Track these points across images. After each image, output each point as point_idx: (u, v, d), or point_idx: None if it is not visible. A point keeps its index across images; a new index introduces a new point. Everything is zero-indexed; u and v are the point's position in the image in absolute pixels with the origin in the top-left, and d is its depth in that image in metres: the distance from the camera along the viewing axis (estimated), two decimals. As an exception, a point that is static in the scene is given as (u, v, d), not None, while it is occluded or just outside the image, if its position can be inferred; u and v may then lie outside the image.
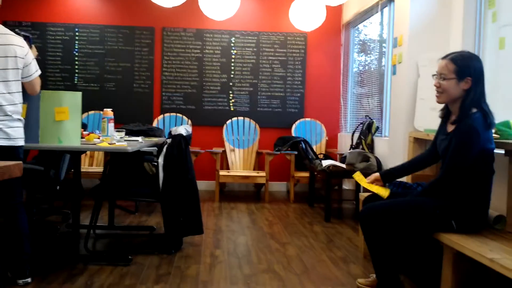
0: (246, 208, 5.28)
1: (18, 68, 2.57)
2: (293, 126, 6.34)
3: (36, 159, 4.28)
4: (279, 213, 5.05)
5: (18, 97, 2.60)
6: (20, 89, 2.63)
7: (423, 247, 2.92)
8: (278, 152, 5.80)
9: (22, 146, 2.64)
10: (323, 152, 6.17)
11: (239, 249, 3.61)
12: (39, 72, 2.77)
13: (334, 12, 6.35)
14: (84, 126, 4.14)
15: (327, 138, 6.39)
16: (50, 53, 6.17)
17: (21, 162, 1.77)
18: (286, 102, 6.45)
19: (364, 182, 2.84)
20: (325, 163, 4.82)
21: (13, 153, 2.57)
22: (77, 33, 6.22)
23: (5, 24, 6.07)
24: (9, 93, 2.53)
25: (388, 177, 2.84)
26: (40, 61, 6.11)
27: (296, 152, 5.74)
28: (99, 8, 6.27)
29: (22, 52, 2.60)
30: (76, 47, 6.23)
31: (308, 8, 5.75)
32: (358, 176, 2.92)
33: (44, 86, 6.08)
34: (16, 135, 2.58)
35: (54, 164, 3.85)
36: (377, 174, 2.84)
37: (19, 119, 2.61)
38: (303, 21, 5.85)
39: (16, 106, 2.57)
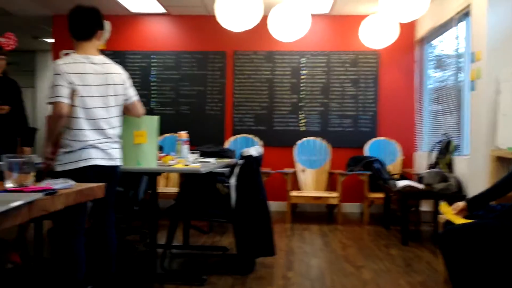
0: (319, 229, 5.21)
1: (117, 95, 2.74)
2: (366, 146, 6.20)
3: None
4: (353, 235, 4.93)
5: (118, 121, 2.78)
6: (119, 113, 2.80)
7: (509, 273, 2.72)
8: (351, 172, 5.69)
9: (120, 165, 2.81)
10: (399, 172, 5.97)
11: (312, 272, 3.55)
12: (138, 96, 2.93)
13: (407, 29, 6.20)
14: (160, 148, 4.29)
15: (402, 158, 6.19)
16: (129, 80, 6.49)
17: (103, 184, 1.87)
18: (358, 121, 6.34)
19: (450, 214, 2.66)
20: (401, 183, 4.66)
21: (113, 172, 2.74)
22: (153, 60, 6.51)
23: (89, 54, 6.47)
24: (110, 117, 2.71)
25: (475, 204, 2.65)
26: (120, 87, 6.45)
27: (369, 172, 5.60)
28: (174, 36, 6.54)
29: (121, 79, 2.77)
30: (153, 73, 6.52)
31: (380, 26, 5.66)
32: (444, 207, 2.73)
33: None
34: (116, 156, 2.75)
35: (133, 185, 4.02)
36: (463, 204, 2.68)
37: (118, 141, 2.78)
38: (375, 39, 5.76)
39: (115, 129, 2.75)
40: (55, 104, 2.53)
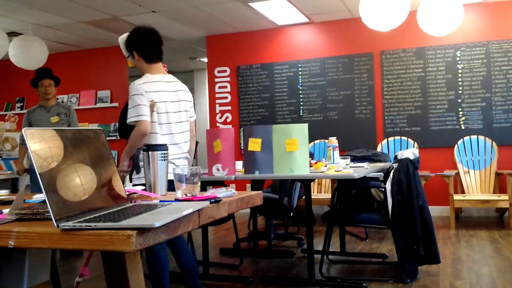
0: (488, 235, 4.75)
1: (186, 110, 2.91)
2: (540, 141, 5.52)
3: (271, 187, 4.64)
4: (529, 241, 4.41)
5: (188, 136, 2.94)
6: (189, 128, 2.95)
7: None
8: (523, 172, 5.09)
9: None
10: None
11: (483, 281, 3.24)
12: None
13: None
14: (311, 155, 4.33)
15: None
16: (277, 89, 6.69)
17: (261, 192, 1.93)
18: (528, 114, 5.67)
19: None
20: None
21: None
22: (300, 68, 6.62)
23: (239, 68, 6.84)
24: (183, 132, 2.88)
25: None
26: (269, 97, 6.68)
27: (545, 171, 4.96)
28: (319, 43, 6.57)
29: (188, 96, 2.95)
30: (300, 81, 6.62)
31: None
32: None
33: (273, 120, 6.61)
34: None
35: (287, 192, 4.11)
36: None
37: (188, 158, 2.92)
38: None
39: (187, 144, 2.90)
40: (139, 122, 2.66)
